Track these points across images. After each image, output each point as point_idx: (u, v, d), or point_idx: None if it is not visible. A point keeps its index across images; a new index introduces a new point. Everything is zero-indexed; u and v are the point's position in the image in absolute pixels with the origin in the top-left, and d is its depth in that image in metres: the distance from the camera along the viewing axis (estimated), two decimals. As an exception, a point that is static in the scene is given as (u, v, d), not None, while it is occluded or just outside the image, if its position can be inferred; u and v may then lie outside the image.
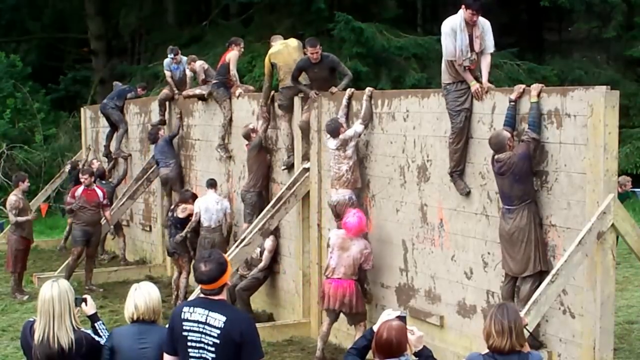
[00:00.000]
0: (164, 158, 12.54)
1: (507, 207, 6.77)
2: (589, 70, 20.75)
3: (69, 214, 12.66)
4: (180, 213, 10.77)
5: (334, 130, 8.61)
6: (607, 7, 20.88)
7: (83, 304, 4.99)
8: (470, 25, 7.22)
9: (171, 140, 12.66)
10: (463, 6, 7.21)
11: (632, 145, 19.03)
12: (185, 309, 4.55)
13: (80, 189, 12.05)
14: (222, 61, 11.43)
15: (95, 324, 4.99)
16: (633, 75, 22.18)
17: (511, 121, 6.88)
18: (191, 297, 4.61)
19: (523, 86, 7.00)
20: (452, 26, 7.23)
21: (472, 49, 7.21)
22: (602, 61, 23.29)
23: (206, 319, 4.43)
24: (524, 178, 6.67)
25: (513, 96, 6.91)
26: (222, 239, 10.64)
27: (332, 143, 8.66)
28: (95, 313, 5.05)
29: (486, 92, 7.29)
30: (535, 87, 6.80)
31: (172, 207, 11.31)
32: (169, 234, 11.12)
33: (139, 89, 14.99)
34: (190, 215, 10.69)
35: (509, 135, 6.76)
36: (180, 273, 10.97)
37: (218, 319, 4.42)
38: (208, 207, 10.61)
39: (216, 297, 4.51)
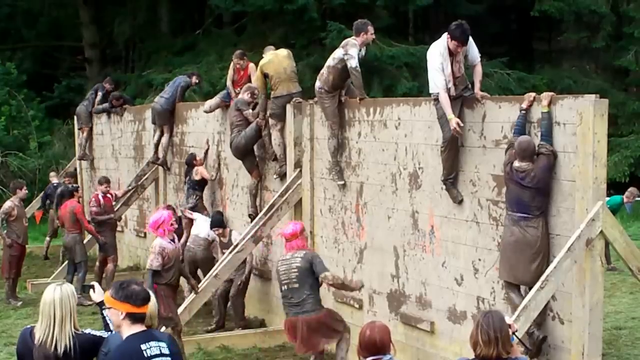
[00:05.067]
0: (164, 91, 12.76)
1: (523, 215, 6.64)
2: (578, 80, 20.94)
3: (98, 225, 12.19)
4: (195, 176, 11.31)
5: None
6: (596, 17, 21.12)
7: (91, 290, 5.04)
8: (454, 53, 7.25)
9: (183, 89, 12.78)
10: (448, 36, 7.18)
11: (621, 154, 19.22)
12: (143, 346, 4.37)
13: (100, 196, 12.16)
14: None
15: (104, 312, 5.00)
16: (621, 85, 22.42)
17: (522, 130, 6.78)
18: (126, 334, 4.38)
19: (534, 94, 6.89)
20: (440, 59, 7.19)
21: (453, 76, 7.24)
22: (591, 71, 23.54)
23: (161, 350, 4.40)
24: (547, 190, 6.63)
25: (524, 104, 6.81)
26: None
27: (339, 51, 8.96)
28: (103, 300, 5.05)
29: (480, 100, 7.37)
30: (546, 96, 6.69)
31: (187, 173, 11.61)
32: (186, 195, 11.49)
33: (113, 101, 14.94)
34: (204, 178, 11.34)
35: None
36: (187, 236, 11.20)
37: (164, 346, 4.40)
38: (198, 234, 10.83)
39: (145, 327, 4.46)
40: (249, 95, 10.49)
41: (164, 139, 12.75)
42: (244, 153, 10.49)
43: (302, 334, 7.72)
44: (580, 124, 6.44)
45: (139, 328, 4.41)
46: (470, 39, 7.35)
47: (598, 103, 6.42)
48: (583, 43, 23.31)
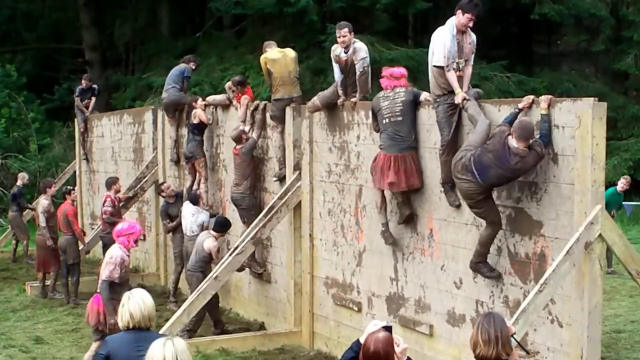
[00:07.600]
0: (169, 82, 12.61)
1: (475, 180, 6.67)
2: (577, 83, 20.97)
3: (110, 226, 11.92)
4: (193, 119, 11.49)
5: None
6: (596, 20, 21.15)
7: None
8: (461, 32, 7.29)
9: (186, 74, 12.71)
10: (460, 11, 7.21)
11: (620, 157, 19.26)
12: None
13: (113, 197, 12.16)
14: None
15: None
16: (621, 88, 22.46)
17: (512, 120, 6.73)
18: None
19: (532, 97, 6.88)
20: (443, 34, 7.27)
21: (460, 56, 7.28)
22: (591, 74, 23.56)
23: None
24: (509, 183, 6.73)
25: (521, 105, 6.80)
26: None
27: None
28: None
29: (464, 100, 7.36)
30: (545, 99, 6.67)
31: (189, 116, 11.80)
32: (187, 140, 11.76)
33: (82, 81, 16.12)
34: (202, 121, 11.40)
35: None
36: (192, 182, 11.67)
37: None
38: (185, 215, 11.15)
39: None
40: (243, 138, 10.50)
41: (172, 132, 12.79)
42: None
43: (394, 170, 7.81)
44: (578, 127, 6.45)
45: None
46: (475, 37, 7.41)
47: (596, 106, 6.42)
48: (583, 46, 23.36)
